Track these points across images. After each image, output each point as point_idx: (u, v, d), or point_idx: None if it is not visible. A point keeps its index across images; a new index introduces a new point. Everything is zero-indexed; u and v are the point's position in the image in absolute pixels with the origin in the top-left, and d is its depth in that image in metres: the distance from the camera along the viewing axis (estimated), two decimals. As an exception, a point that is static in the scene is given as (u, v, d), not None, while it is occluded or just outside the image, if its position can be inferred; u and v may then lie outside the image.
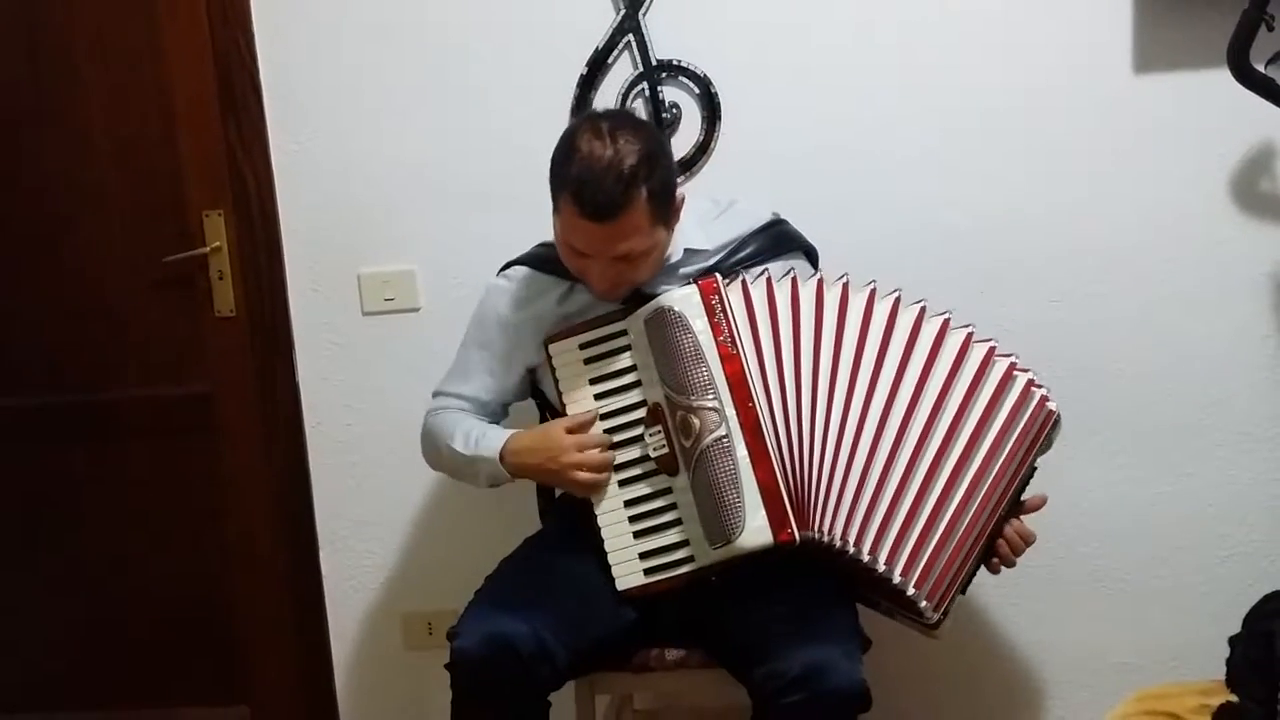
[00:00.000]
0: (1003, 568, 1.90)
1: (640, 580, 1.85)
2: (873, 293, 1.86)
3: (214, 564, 2.57)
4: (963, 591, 1.85)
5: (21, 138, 2.46)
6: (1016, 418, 1.85)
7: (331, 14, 2.34)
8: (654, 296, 1.88)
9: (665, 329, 1.82)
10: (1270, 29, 1.97)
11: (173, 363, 2.51)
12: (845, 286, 1.86)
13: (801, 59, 2.25)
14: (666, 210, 1.84)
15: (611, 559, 1.86)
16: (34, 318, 2.53)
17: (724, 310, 1.82)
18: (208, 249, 2.43)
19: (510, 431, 1.95)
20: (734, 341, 1.81)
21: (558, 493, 2.12)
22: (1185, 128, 2.20)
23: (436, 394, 2.08)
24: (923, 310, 1.86)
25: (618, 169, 1.75)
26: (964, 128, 2.24)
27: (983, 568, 1.88)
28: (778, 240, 2.02)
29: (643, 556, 1.85)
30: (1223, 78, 2.04)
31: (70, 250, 2.49)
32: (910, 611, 1.83)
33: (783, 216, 2.08)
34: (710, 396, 1.79)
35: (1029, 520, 1.91)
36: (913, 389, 1.82)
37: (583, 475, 1.86)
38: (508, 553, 2.03)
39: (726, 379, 1.80)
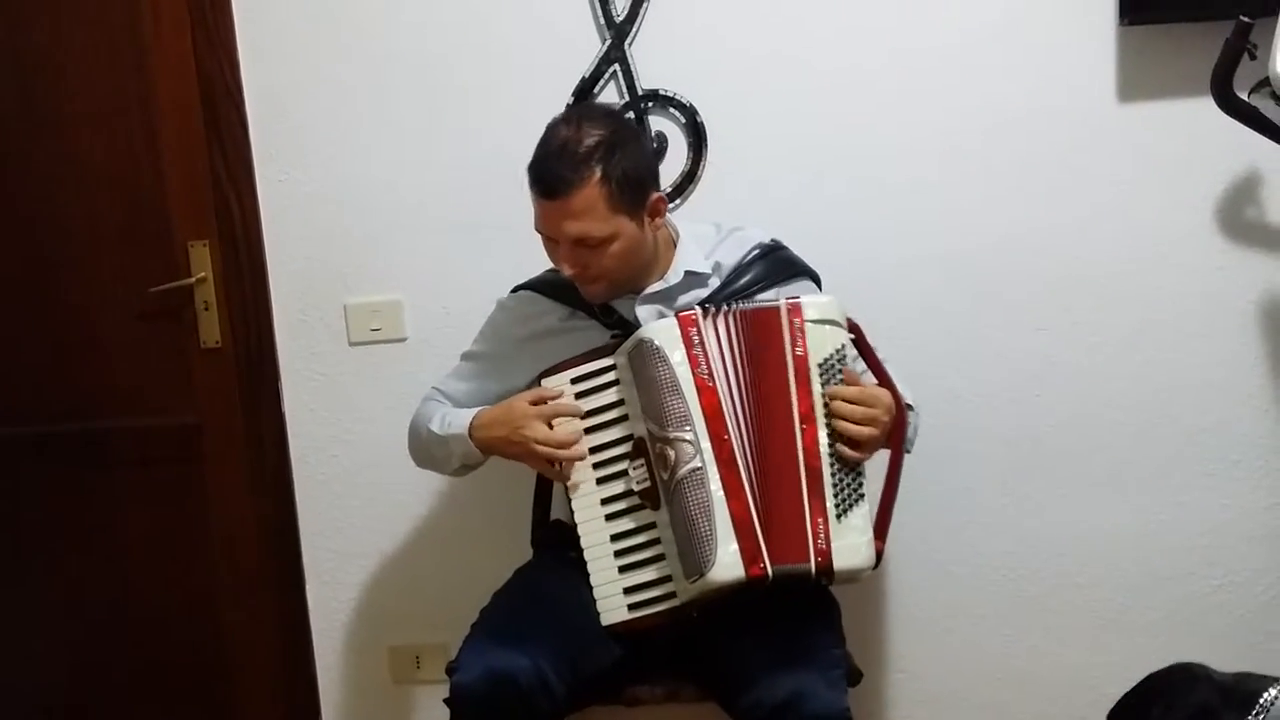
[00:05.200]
0: (864, 453, 1.80)
1: (624, 616, 1.84)
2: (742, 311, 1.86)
3: (200, 596, 2.54)
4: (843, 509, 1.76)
5: (9, 168, 2.45)
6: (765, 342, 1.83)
7: (318, 43, 2.33)
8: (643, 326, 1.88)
9: (645, 361, 1.82)
10: (1253, 58, 1.98)
11: (159, 393, 2.49)
12: (741, 312, 1.86)
13: (787, 88, 2.26)
14: (631, 201, 1.85)
15: (597, 594, 1.86)
16: (21, 348, 2.51)
17: (703, 343, 1.82)
18: (193, 280, 2.42)
19: (479, 408, 1.96)
20: (711, 374, 1.81)
21: (552, 514, 2.12)
22: (1170, 156, 2.21)
23: (432, 387, 2.11)
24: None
25: (572, 148, 1.82)
26: (948, 157, 2.25)
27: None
28: (779, 266, 2.01)
29: (626, 592, 1.84)
30: (1207, 106, 2.05)
31: (56, 281, 2.48)
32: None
33: (783, 243, 2.07)
34: (686, 429, 1.78)
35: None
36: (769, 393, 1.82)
37: (541, 450, 1.85)
38: (496, 584, 2.02)
39: (703, 411, 1.79)
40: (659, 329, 1.83)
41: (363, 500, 2.46)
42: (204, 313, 2.44)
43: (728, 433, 1.79)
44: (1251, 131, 2.04)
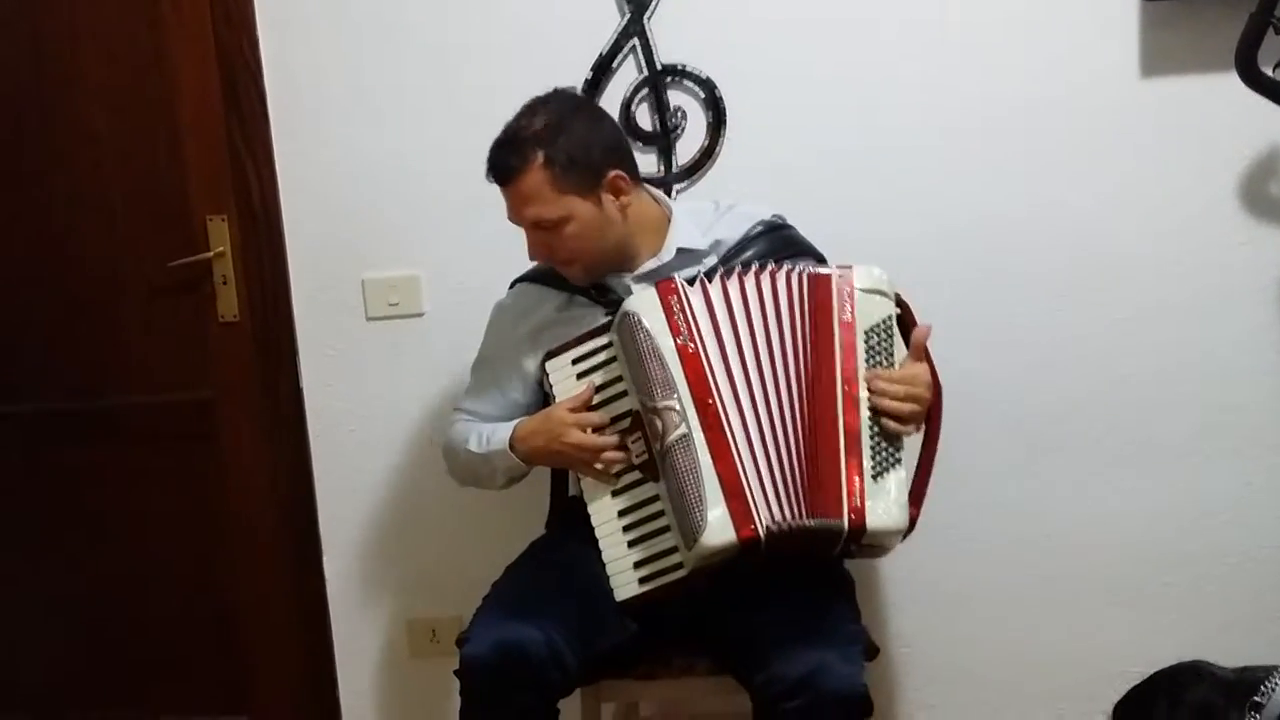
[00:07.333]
0: (907, 427, 1.83)
1: (636, 590, 1.84)
2: (788, 271, 1.87)
3: (217, 571, 2.56)
4: (876, 476, 1.77)
5: (26, 142, 2.46)
6: (795, 307, 1.85)
7: (335, 19, 2.34)
8: None
9: (628, 333, 1.83)
10: (1278, 32, 1.96)
11: (176, 368, 2.50)
12: (786, 273, 1.87)
13: (807, 63, 2.25)
14: (580, 182, 1.88)
15: (609, 570, 1.86)
16: (38, 323, 2.53)
17: (683, 309, 1.82)
18: (211, 254, 2.43)
19: (517, 421, 1.97)
20: (693, 339, 1.81)
21: (570, 490, 2.12)
22: (1192, 132, 2.19)
23: (455, 410, 2.12)
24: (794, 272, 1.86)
25: (515, 135, 1.88)
26: (971, 131, 2.24)
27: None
28: (784, 244, 2.02)
29: (636, 566, 1.84)
30: (1230, 81, 2.03)
31: (75, 255, 2.49)
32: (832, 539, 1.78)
33: (786, 220, 2.07)
34: (672, 396, 1.78)
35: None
36: (788, 352, 1.84)
37: (586, 455, 1.87)
38: (512, 558, 2.03)
39: (685, 377, 1.79)
40: (638, 300, 1.85)
41: (380, 475, 2.47)
42: (222, 287, 2.44)
43: (713, 396, 1.79)
44: (1276, 107, 2.02)
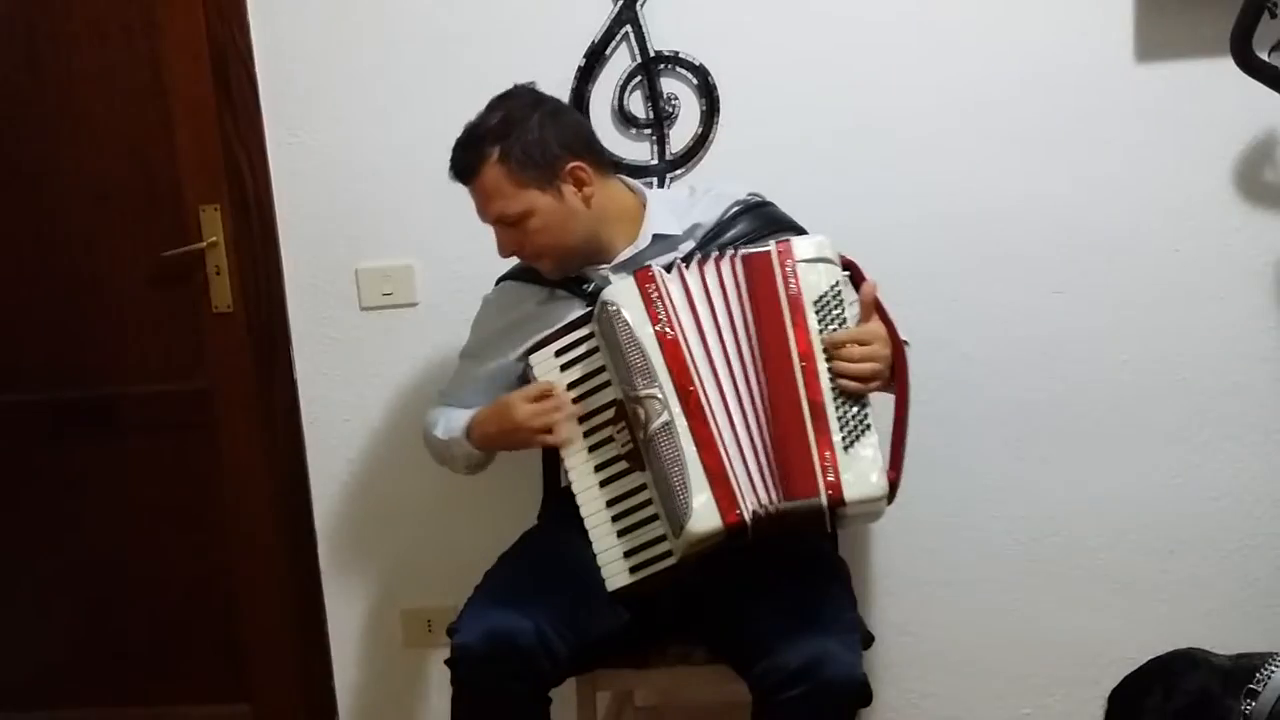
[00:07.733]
0: (870, 386, 1.79)
1: (626, 579, 1.83)
2: (716, 258, 1.85)
3: (213, 561, 2.56)
4: (846, 445, 1.75)
5: (19, 132, 2.45)
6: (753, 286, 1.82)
7: (327, 7, 2.33)
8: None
9: (608, 323, 1.82)
10: (1274, 16, 1.96)
11: (170, 358, 2.50)
12: (716, 260, 1.85)
13: (800, 49, 2.24)
14: (537, 175, 1.90)
15: (600, 561, 1.85)
16: (31, 314, 2.52)
17: (661, 297, 1.81)
18: (204, 244, 2.42)
19: (475, 410, 2.00)
20: (672, 327, 1.80)
21: (563, 481, 2.12)
22: (1188, 117, 2.19)
23: (439, 393, 2.14)
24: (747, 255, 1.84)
25: (472, 133, 1.93)
26: (965, 117, 2.23)
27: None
28: (765, 222, 2.01)
29: (626, 555, 1.83)
30: (1226, 66, 2.02)
31: (67, 246, 2.48)
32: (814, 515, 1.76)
33: (764, 196, 2.06)
34: (653, 385, 1.78)
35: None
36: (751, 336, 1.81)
37: (537, 423, 1.87)
38: (507, 548, 2.03)
39: (666, 365, 1.78)
40: (615, 289, 1.84)
41: (374, 464, 2.47)
42: (215, 277, 2.44)
43: (694, 383, 1.77)
44: (1271, 92, 2.01)
